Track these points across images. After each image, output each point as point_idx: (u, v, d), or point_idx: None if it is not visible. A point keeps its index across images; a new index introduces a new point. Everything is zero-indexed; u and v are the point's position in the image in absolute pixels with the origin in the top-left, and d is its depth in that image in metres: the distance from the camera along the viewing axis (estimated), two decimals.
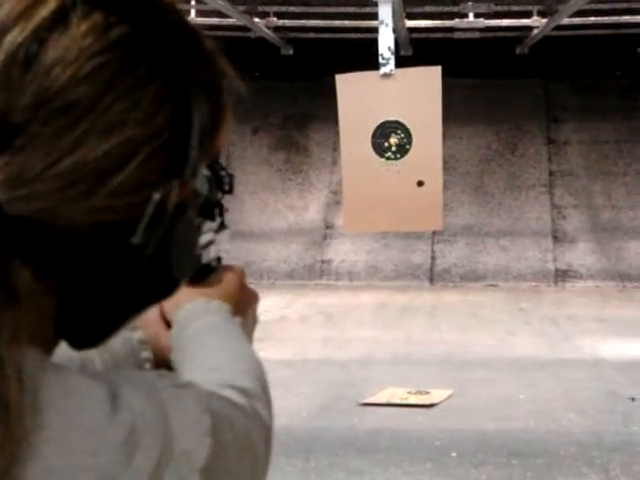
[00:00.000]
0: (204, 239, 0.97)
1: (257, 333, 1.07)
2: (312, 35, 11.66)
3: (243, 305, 1.02)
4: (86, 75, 0.67)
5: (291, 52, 12.10)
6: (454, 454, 5.37)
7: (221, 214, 1.01)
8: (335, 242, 12.33)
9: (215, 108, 0.76)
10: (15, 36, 0.67)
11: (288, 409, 5.80)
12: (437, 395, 6.58)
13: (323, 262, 12.26)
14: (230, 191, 0.98)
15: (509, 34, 11.53)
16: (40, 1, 0.68)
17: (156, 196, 0.70)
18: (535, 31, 11.01)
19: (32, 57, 0.66)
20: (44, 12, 0.68)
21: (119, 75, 0.68)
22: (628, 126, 12.72)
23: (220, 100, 0.77)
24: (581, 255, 12.05)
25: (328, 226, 12.49)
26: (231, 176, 0.98)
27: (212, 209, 0.98)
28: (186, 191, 0.73)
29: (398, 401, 6.45)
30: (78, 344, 0.74)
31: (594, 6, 10.07)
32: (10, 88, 0.66)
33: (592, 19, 10.60)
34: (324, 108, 10.97)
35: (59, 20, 0.68)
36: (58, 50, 0.67)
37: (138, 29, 0.70)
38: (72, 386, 0.67)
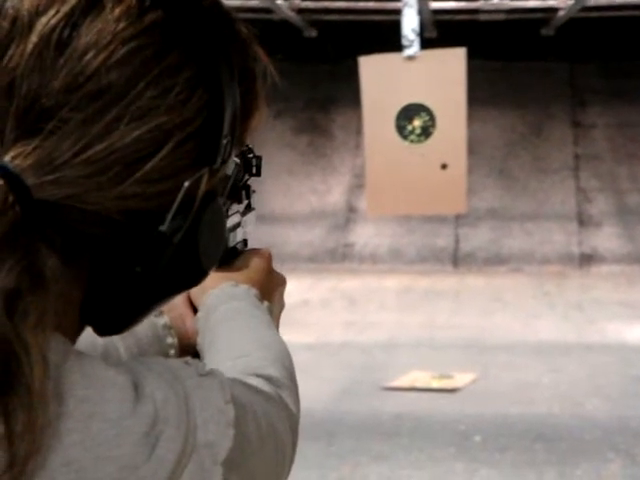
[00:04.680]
0: (231, 221, 0.96)
1: None
2: (335, 17, 11.60)
3: (270, 289, 1.01)
4: (119, 60, 0.66)
5: (314, 34, 12.05)
6: (478, 438, 5.36)
7: (248, 196, 1.00)
8: (358, 226, 12.30)
9: (248, 95, 0.75)
10: (49, 19, 0.66)
11: (310, 393, 5.80)
12: (461, 379, 6.56)
13: (346, 246, 12.24)
14: (258, 174, 0.97)
15: (535, 16, 11.42)
16: None
17: (186, 184, 0.69)
18: (561, 13, 10.90)
19: (65, 41, 0.66)
20: None
21: (152, 61, 0.67)
22: None
23: (253, 87, 0.76)
24: (606, 239, 11.97)
25: (351, 209, 12.46)
26: (259, 159, 0.97)
27: (239, 191, 0.97)
28: (216, 178, 0.72)
29: (421, 385, 6.44)
30: (104, 330, 0.74)
31: None
32: (42, 71, 0.65)
33: (619, 0, 10.48)
34: (347, 91, 10.93)
35: (93, 4, 0.67)
36: (91, 34, 0.66)
37: (172, 14, 0.69)
38: (94, 375, 0.65)
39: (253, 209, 1.03)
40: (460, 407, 5.98)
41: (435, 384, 6.46)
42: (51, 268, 0.65)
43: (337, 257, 12.15)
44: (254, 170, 0.97)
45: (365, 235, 12.25)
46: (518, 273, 11.58)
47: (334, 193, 12.67)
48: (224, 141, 0.71)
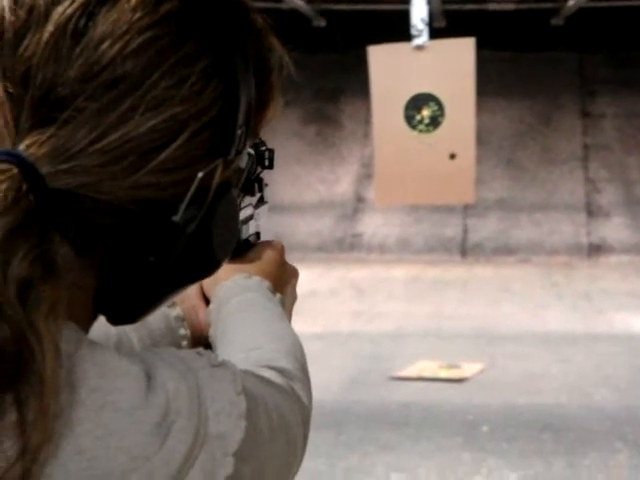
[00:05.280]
0: (243, 214, 0.96)
1: None
2: (345, 6, 11.58)
3: (283, 281, 1.01)
4: (134, 50, 0.66)
5: (323, 24, 12.03)
6: (485, 428, 5.36)
7: (260, 189, 1.00)
8: (366, 215, 12.29)
9: (263, 86, 0.75)
10: (65, 8, 0.66)
11: (319, 383, 5.77)
12: (469, 369, 6.56)
13: (354, 235, 12.24)
14: (270, 166, 0.97)
15: (544, 5, 11.39)
16: None
17: (200, 174, 0.69)
18: (570, 2, 10.86)
19: (81, 30, 0.66)
20: None
21: (167, 51, 0.67)
22: None
23: (268, 78, 0.76)
24: (615, 229, 11.94)
25: (359, 199, 12.45)
26: (271, 151, 0.97)
27: (252, 184, 0.97)
28: (230, 169, 0.72)
29: (429, 375, 6.44)
30: (117, 320, 0.74)
31: None
32: (58, 61, 0.65)
33: None
34: (356, 80, 10.91)
35: None
36: (107, 24, 0.66)
37: (187, 4, 0.69)
38: (107, 364, 0.66)
39: (266, 202, 1.03)
40: (468, 397, 5.98)
41: (443, 374, 6.46)
42: (64, 257, 0.65)
43: (345, 247, 12.15)
44: (267, 163, 0.97)
45: (373, 225, 12.25)
46: (526, 263, 11.57)
47: (342, 183, 12.66)
48: (239, 132, 0.71)
